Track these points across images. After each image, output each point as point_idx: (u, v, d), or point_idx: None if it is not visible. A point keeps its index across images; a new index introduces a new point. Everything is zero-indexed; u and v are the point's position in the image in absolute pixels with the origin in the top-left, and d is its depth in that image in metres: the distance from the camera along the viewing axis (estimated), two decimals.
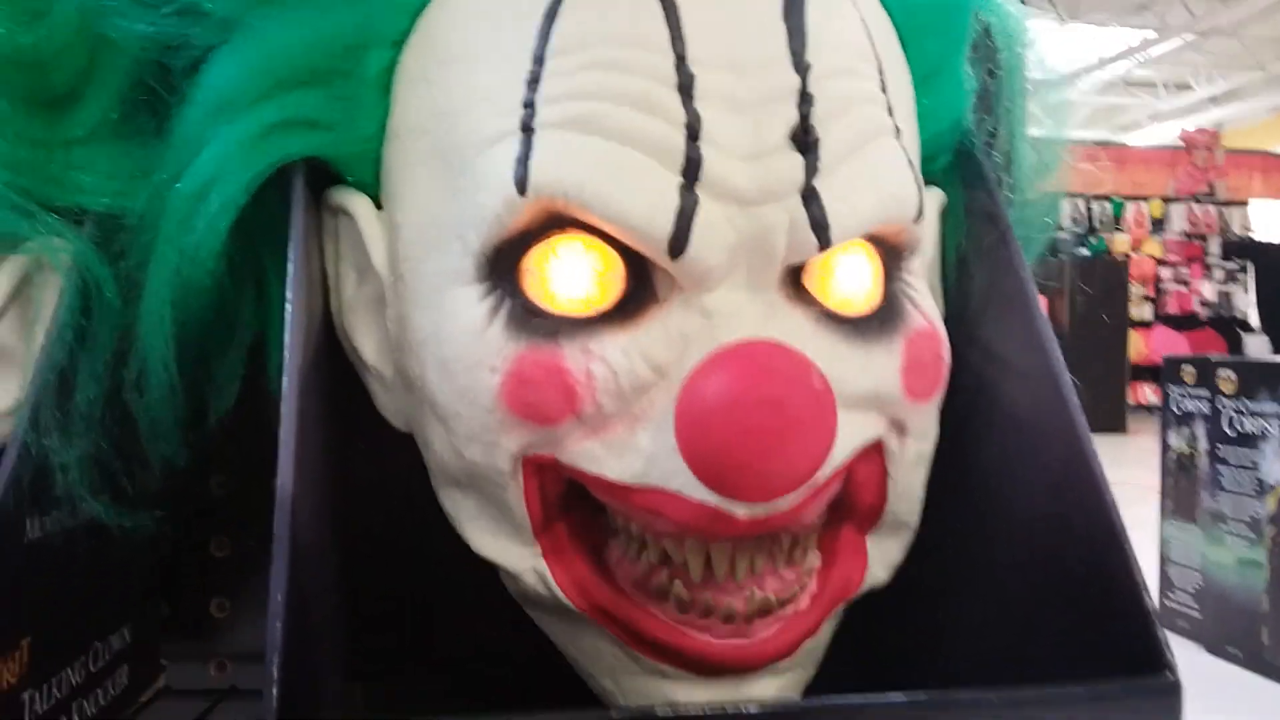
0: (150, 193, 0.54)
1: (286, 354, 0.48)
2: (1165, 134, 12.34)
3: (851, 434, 0.52)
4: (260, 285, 0.58)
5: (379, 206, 0.57)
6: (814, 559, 0.55)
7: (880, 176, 0.51)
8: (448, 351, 0.50)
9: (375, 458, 0.59)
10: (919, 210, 0.53)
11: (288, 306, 0.50)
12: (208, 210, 0.52)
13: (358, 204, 0.56)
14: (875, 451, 0.54)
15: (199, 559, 0.77)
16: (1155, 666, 0.47)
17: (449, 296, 0.51)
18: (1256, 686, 3.07)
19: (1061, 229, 10.03)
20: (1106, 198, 10.53)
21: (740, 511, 0.47)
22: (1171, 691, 0.46)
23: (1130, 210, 10.57)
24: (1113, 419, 8.64)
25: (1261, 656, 3.14)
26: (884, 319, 0.53)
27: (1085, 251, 10.15)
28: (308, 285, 0.54)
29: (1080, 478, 0.52)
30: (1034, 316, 0.57)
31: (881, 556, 0.57)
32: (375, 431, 0.59)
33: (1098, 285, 8.84)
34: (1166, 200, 10.76)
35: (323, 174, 0.57)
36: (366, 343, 0.57)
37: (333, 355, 0.58)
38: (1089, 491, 0.52)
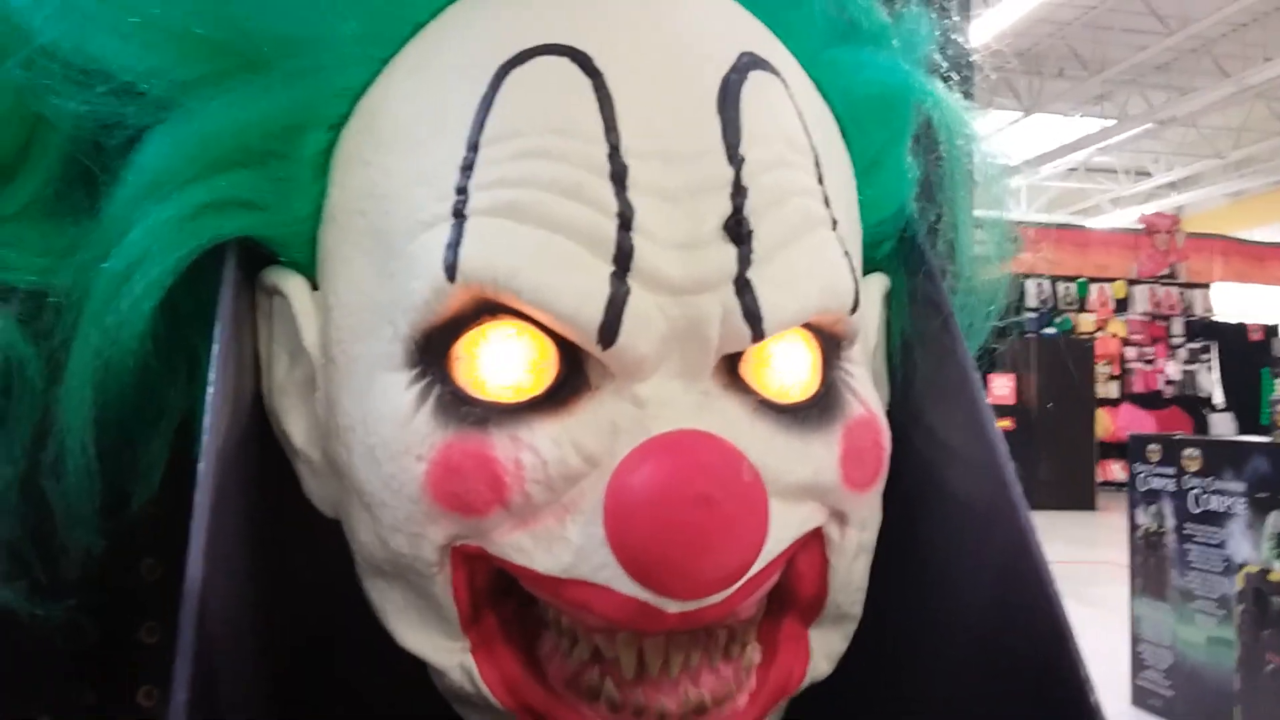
0: (77, 271, 0.53)
1: (205, 437, 0.47)
2: (1126, 218, 12.68)
3: (789, 524, 0.51)
4: (191, 367, 0.57)
5: (315, 288, 0.56)
6: (754, 654, 0.53)
7: (814, 268, 0.51)
8: (375, 438, 0.49)
9: (308, 546, 0.58)
10: (855, 301, 0.53)
11: (209, 388, 0.48)
12: (132, 291, 0.51)
13: (292, 284, 0.55)
14: (816, 541, 0.53)
15: (127, 646, 0.73)
16: None
17: (378, 382, 0.50)
18: None
19: (1029, 309, 10.22)
20: (1071, 279, 10.74)
21: (671, 606, 0.46)
22: None
23: (1094, 291, 10.78)
24: (1081, 496, 8.68)
25: None
26: (823, 407, 0.53)
27: (1052, 331, 10.31)
28: (238, 366, 0.53)
29: (1024, 569, 0.51)
30: (976, 404, 0.57)
31: (824, 648, 0.56)
32: (308, 519, 0.57)
33: (1065, 364, 8.95)
34: (1130, 282, 11.00)
35: (260, 255, 0.56)
36: (296, 426, 0.56)
37: (264, 440, 0.57)
38: (1034, 583, 0.51)
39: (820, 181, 0.53)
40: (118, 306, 0.51)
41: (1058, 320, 10.53)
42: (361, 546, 0.52)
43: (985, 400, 0.57)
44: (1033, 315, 10.28)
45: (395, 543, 0.49)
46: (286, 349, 0.57)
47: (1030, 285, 10.34)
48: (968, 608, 0.55)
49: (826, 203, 0.53)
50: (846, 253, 0.53)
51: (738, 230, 0.48)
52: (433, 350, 0.49)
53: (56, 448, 0.53)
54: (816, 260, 0.51)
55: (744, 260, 0.48)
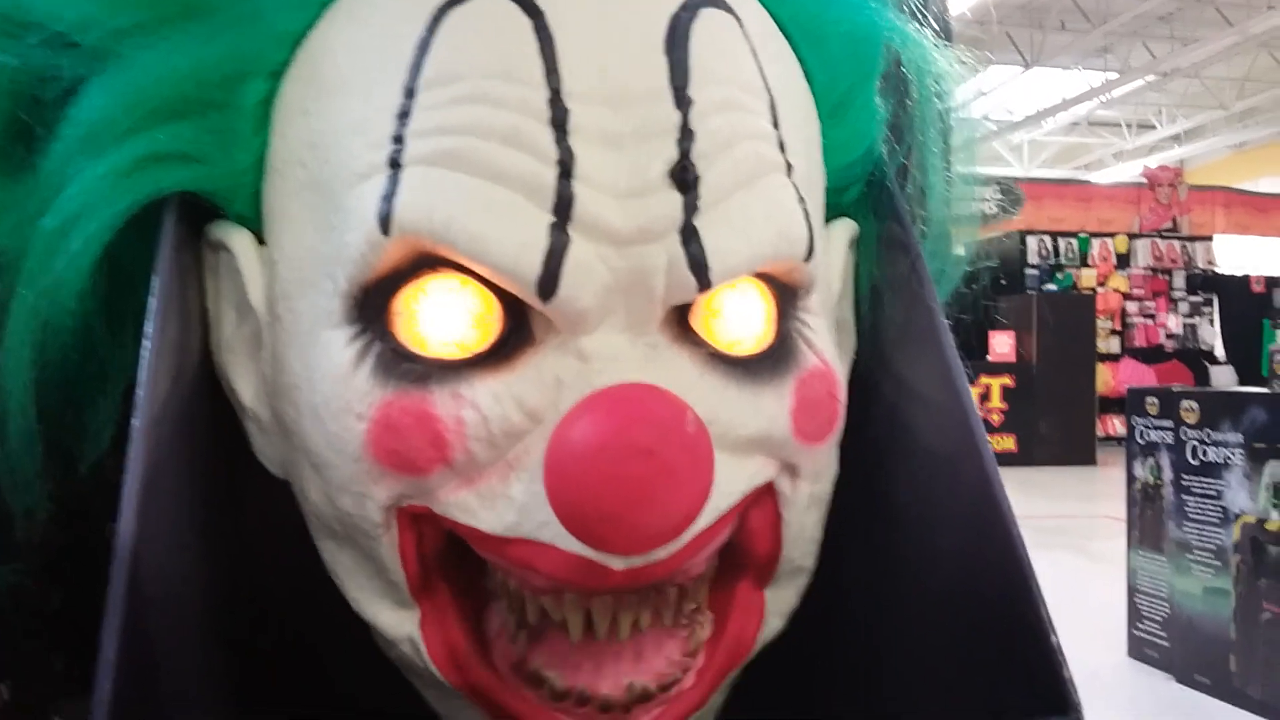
0: (13, 229, 0.51)
1: (140, 392, 0.45)
2: (1129, 172, 12.59)
3: (738, 478, 0.50)
4: (139, 329, 0.56)
5: (262, 243, 0.54)
6: (703, 629, 0.52)
7: (765, 214, 0.49)
8: (318, 397, 0.48)
9: (264, 507, 0.57)
10: (809, 248, 0.51)
11: (145, 342, 0.47)
12: (69, 248, 0.49)
13: (237, 239, 0.54)
14: (768, 496, 0.52)
15: (93, 613, 0.73)
16: (1061, 708, 0.46)
17: (320, 339, 0.49)
18: (1226, 716, 3.06)
19: (1030, 265, 10.18)
20: (1073, 234, 10.68)
21: (616, 563, 0.45)
22: None
23: (1096, 246, 10.72)
24: (1082, 451, 8.70)
25: (1230, 685, 3.14)
26: (775, 359, 0.51)
27: (1053, 287, 10.27)
28: (183, 323, 0.52)
29: (989, 512, 0.51)
30: (944, 351, 0.56)
31: (777, 605, 0.55)
32: (265, 479, 0.56)
33: (1065, 320, 8.92)
34: (1131, 236, 10.94)
35: (208, 211, 0.55)
36: (244, 384, 0.55)
37: (216, 398, 0.56)
38: (997, 527, 0.50)
39: (775, 125, 0.51)
40: (54, 265, 0.50)
41: (1059, 276, 10.49)
42: (312, 507, 0.51)
43: (953, 345, 0.55)
44: (1034, 272, 10.24)
45: (342, 503, 0.49)
46: (233, 305, 0.55)
47: (1032, 241, 10.28)
48: (934, 554, 0.54)
49: (782, 148, 0.51)
50: (802, 199, 0.51)
51: (684, 177, 0.46)
52: (371, 306, 0.47)
53: None
54: (768, 206, 0.49)
55: (690, 208, 0.47)
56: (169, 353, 0.49)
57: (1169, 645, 3.44)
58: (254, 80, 0.52)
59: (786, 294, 0.52)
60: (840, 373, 0.55)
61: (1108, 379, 9.88)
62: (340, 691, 0.61)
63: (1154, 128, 11.87)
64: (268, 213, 0.54)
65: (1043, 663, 0.47)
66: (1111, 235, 10.85)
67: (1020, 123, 11.11)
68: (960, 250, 0.65)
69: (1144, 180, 11.55)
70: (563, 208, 0.45)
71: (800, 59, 0.58)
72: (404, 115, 0.47)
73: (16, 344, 0.50)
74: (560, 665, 0.49)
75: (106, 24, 0.50)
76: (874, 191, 0.62)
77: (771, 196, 0.50)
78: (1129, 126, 12.13)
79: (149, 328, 0.47)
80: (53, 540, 0.64)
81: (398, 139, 0.46)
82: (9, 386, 0.50)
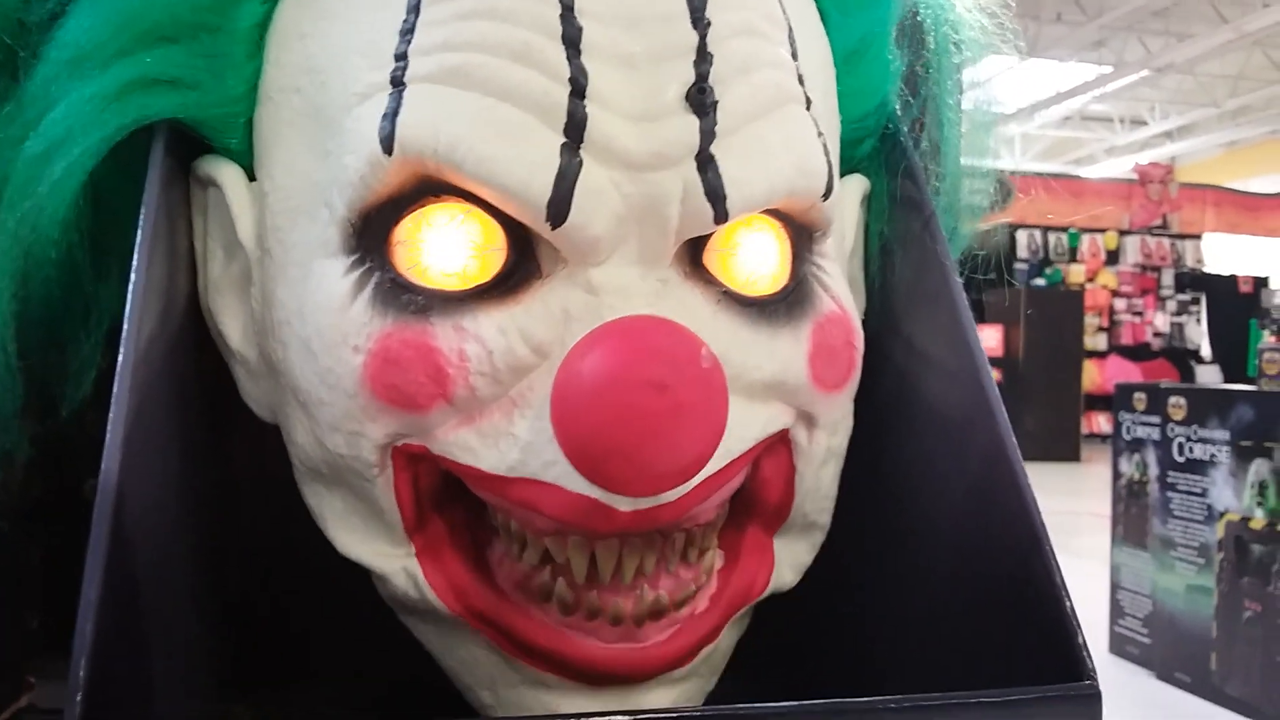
0: None
1: (126, 328, 0.43)
2: (1120, 168, 12.60)
3: (752, 424, 0.48)
4: (124, 267, 0.54)
5: (252, 179, 0.52)
6: (714, 558, 0.51)
7: (785, 145, 0.47)
8: (310, 329, 0.46)
9: (254, 454, 0.55)
10: (828, 185, 0.50)
11: (132, 277, 0.45)
12: (51, 173, 0.47)
13: (226, 173, 0.52)
14: (782, 445, 0.50)
15: (71, 569, 0.71)
16: (1076, 674, 0.44)
17: (314, 269, 0.47)
18: (1205, 713, 3.07)
19: (1019, 260, 10.19)
20: (1062, 229, 10.69)
21: (622, 504, 0.43)
22: (1091, 700, 0.43)
23: (1085, 242, 10.74)
24: (1067, 448, 8.73)
25: (1210, 683, 3.14)
26: (791, 302, 0.49)
27: (1041, 282, 10.29)
28: (170, 261, 0.50)
29: (1002, 476, 0.49)
30: (957, 310, 0.54)
31: (790, 558, 0.54)
32: (254, 425, 0.54)
33: (1053, 315, 8.94)
34: (1121, 233, 10.95)
35: (196, 146, 0.53)
36: (232, 325, 0.53)
37: (203, 341, 0.54)
38: (1011, 491, 0.48)
39: (794, 57, 0.49)
40: (36, 190, 0.48)
41: (1048, 272, 10.50)
42: (299, 449, 0.49)
43: (965, 304, 0.54)
44: (1023, 266, 10.25)
45: (333, 443, 0.46)
46: (222, 244, 0.53)
47: (1021, 236, 10.29)
48: (944, 515, 0.53)
49: (801, 80, 0.49)
50: (821, 133, 0.50)
51: (701, 100, 0.45)
52: (371, 233, 0.45)
53: None
54: (787, 136, 0.47)
55: (707, 134, 0.45)
56: (155, 292, 0.47)
57: (1150, 642, 3.45)
58: (248, 3, 0.50)
59: (803, 235, 0.50)
60: (857, 320, 0.53)
61: (1094, 376, 9.91)
62: (332, 642, 0.59)
63: (1146, 124, 11.88)
64: (259, 143, 0.51)
65: (1056, 629, 0.45)
66: (1101, 231, 10.87)
67: (1013, 115, 11.13)
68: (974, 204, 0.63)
69: (1134, 177, 11.57)
70: (575, 129, 0.43)
71: (817, 4, 0.56)
72: (408, 32, 0.45)
73: None
74: (569, 581, 0.47)
75: None
76: (887, 146, 0.61)
77: (790, 127, 0.48)
78: (1121, 122, 12.14)
79: (136, 263, 0.45)
80: (31, 489, 0.62)
81: (401, 57, 0.44)
82: None
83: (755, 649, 0.54)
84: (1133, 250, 10.81)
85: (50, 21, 0.50)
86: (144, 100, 0.49)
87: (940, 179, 0.61)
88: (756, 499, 0.51)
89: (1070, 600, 0.45)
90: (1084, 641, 0.45)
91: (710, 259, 0.48)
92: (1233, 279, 10.53)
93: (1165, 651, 3.33)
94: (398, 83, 0.44)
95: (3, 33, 0.52)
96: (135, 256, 0.45)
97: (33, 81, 0.50)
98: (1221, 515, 3.18)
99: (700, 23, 0.45)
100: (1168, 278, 10.77)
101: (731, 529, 0.52)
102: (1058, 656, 0.45)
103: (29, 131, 0.49)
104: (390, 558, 0.49)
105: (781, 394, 0.49)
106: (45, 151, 0.48)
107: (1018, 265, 10.18)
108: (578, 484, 0.42)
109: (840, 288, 0.52)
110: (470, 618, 0.48)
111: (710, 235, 0.47)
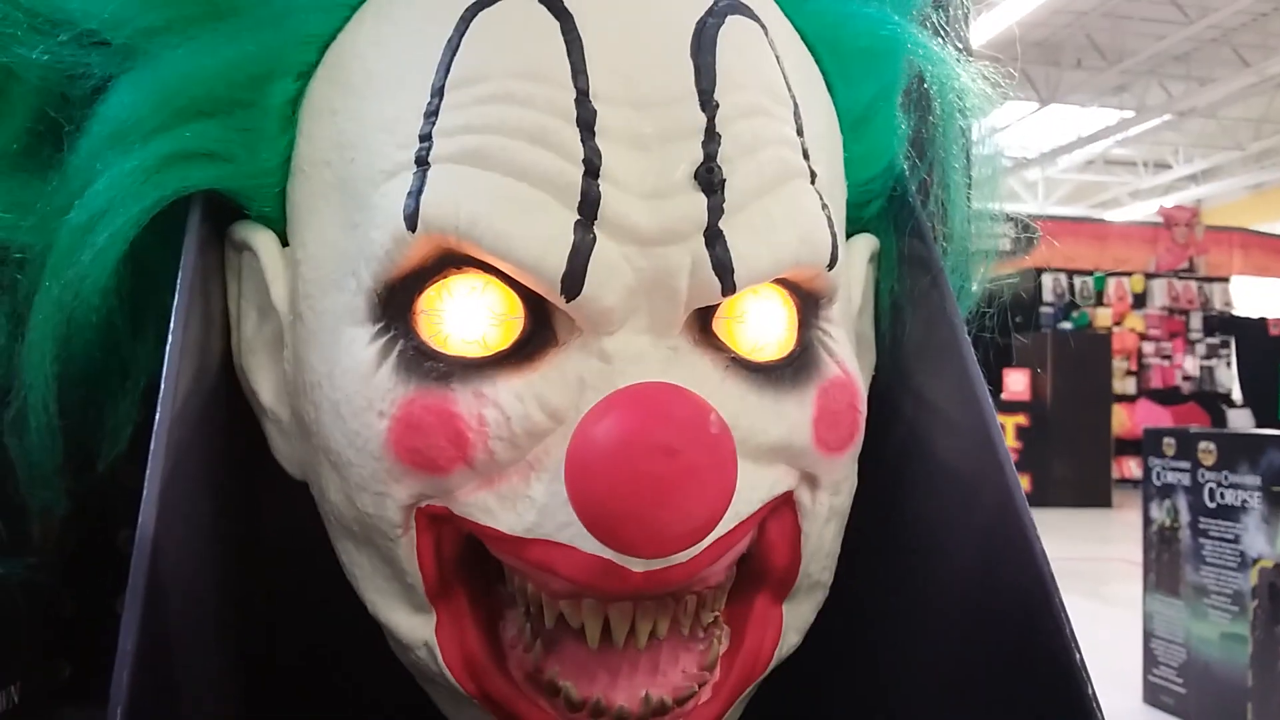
0: (40, 224, 0.52)
1: (164, 387, 0.45)
2: (1145, 211, 12.55)
3: (759, 485, 0.49)
4: (161, 328, 0.56)
5: (285, 244, 0.55)
6: (720, 643, 0.52)
7: (790, 219, 0.49)
8: (339, 394, 0.48)
9: (284, 509, 0.56)
10: (833, 256, 0.51)
11: (169, 338, 0.47)
12: (94, 242, 0.50)
13: (260, 239, 0.54)
14: (787, 508, 0.52)
15: (105, 619, 0.72)
16: None
17: (343, 336, 0.49)
18: None
19: (1045, 303, 10.14)
20: (1088, 273, 10.64)
21: (635, 566, 0.44)
22: None
23: (1112, 285, 10.67)
24: (1097, 493, 8.60)
25: None
26: (797, 367, 0.51)
27: (1068, 325, 10.22)
28: (205, 323, 0.52)
29: (1011, 529, 0.50)
30: (966, 366, 0.55)
31: (795, 620, 0.54)
32: (283, 482, 0.56)
33: (1081, 359, 8.86)
34: (1148, 276, 10.88)
35: (231, 212, 0.55)
36: (264, 385, 0.55)
37: (234, 403, 0.56)
38: (1020, 544, 0.49)
39: (800, 133, 0.51)
40: (79, 259, 0.50)
41: (1074, 315, 10.44)
42: (332, 507, 0.51)
43: (974, 360, 0.55)
44: (1049, 310, 10.20)
45: (361, 502, 0.48)
46: (255, 306, 0.56)
47: (1047, 279, 10.26)
48: (953, 570, 0.53)
49: (806, 155, 0.51)
50: (825, 205, 0.51)
51: (709, 179, 0.47)
52: (395, 304, 0.47)
53: (18, 404, 0.52)
54: (792, 211, 0.49)
55: (715, 210, 0.47)
56: (191, 352, 0.49)
57: (1185, 692, 3.38)
58: (281, 80, 0.53)
59: (809, 302, 0.52)
60: (861, 384, 0.54)
61: (1124, 420, 9.80)
62: (352, 697, 0.60)
63: (1170, 167, 11.86)
64: (292, 213, 0.54)
65: (1067, 682, 0.46)
66: (1128, 274, 10.81)
67: (1035, 159, 11.14)
68: (981, 268, 0.65)
69: (1160, 220, 11.53)
70: (588, 206, 0.45)
71: (822, 71, 0.58)
72: (432, 114, 0.47)
73: (40, 337, 0.51)
74: (576, 675, 0.48)
75: (136, 22, 0.51)
76: (895, 207, 0.62)
77: (795, 202, 0.50)
78: (1145, 165, 12.13)
79: (173, 325, 0.48)
80: (67, 541, 0.64)
81: (425, 137, 0.47)
82: (32, 380, 0.51)
83: (758, 699, 0.55)
84: (1160, 293, 10.73)
85: (92, 96, 0.53)
86: (182, 173, 0.51)
87: (947, 238, 0.63)
88: (765, 564, 0.52)
89: (1080, 653, 0.46)
90: (1094, 693, 0.45)
91: (719, 326, 0.50)
92: (1263, 321, 10.41)
93: (1201, 701, 3.26)
94: (422, 162, 0.46)
95: (47, 105, 0.55)
96: (172, 318, 0.48)
97: (76, 154, 0.52)
98: (1255, 562, 3.13)
99: (708, 105, 0.47)
100: (1196, 321, 10.66)
101: (740, 603, 0.53)
102: (1069, 709, 0.45)
103: (73, 201, 0.51)
104: (413, 627, 0.50)
105: (787, 457, 0.50)
106: (88, 221, 0.50)
107: (1044, 309, 10.14)
108: (592, 545, 0.44)
109: (845, 352, 0.54)
110: (482, 699, 0.50)
111: (719, 304, 0.49)
